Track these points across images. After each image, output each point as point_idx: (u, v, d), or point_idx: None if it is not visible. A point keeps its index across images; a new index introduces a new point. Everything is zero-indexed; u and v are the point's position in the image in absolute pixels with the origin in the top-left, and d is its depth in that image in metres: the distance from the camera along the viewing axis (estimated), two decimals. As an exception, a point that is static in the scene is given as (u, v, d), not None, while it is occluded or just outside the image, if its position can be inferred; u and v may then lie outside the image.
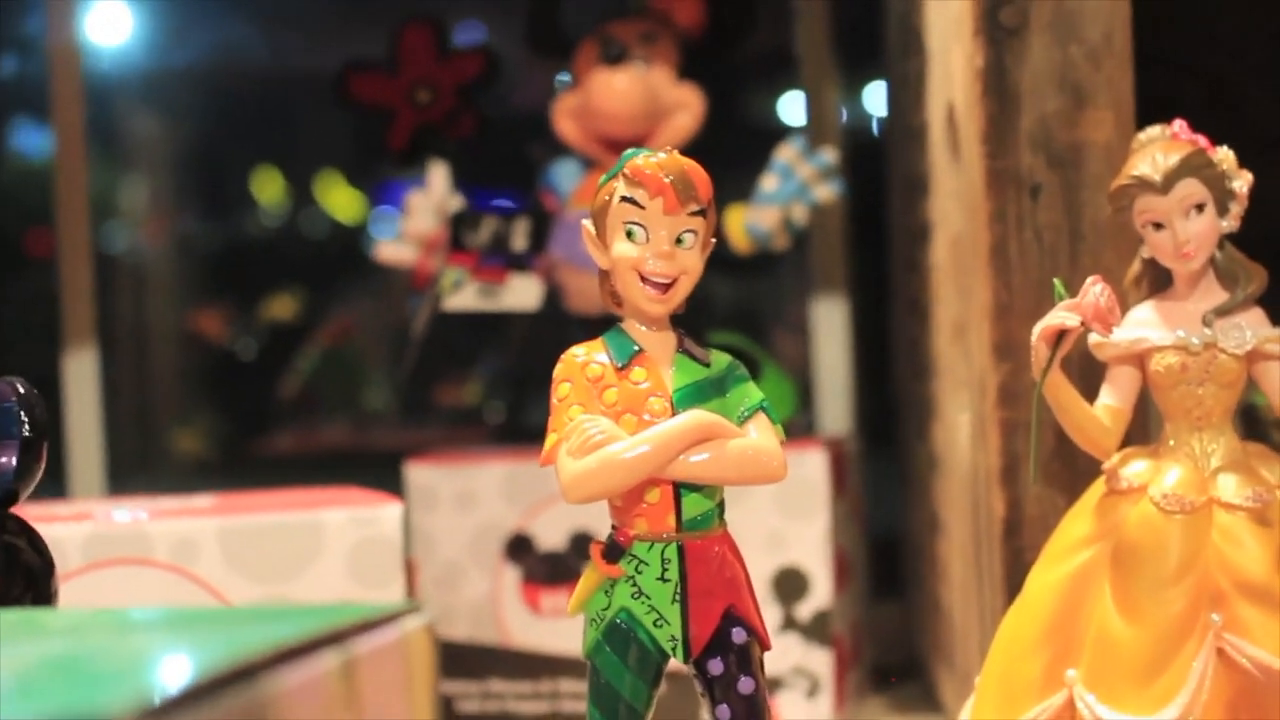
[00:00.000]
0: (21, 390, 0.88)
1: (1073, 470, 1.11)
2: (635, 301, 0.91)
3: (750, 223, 1.52)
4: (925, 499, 1.55)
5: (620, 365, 0.91)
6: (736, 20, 1.58)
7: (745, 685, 0.90)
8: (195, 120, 2.25)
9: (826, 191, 1.51)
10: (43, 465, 0.89)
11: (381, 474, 1.49)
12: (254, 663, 0.52)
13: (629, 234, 0.91)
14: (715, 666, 0.90)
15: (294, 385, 2.45)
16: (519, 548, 1.53)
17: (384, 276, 2.51)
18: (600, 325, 1.54)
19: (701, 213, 0.91)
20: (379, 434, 2.47)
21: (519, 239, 1.51)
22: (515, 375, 2.14)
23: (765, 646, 0.92)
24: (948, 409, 1.37)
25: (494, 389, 2.31)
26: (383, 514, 1.24)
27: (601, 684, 0.91)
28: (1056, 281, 0.97)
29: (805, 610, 1.48)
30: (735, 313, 1.97)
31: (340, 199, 2.44)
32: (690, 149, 1.54)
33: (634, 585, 0.90)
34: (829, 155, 1.52)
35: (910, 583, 1.72)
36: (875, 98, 1.96)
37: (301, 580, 1.22)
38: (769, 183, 1.51)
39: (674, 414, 0.90)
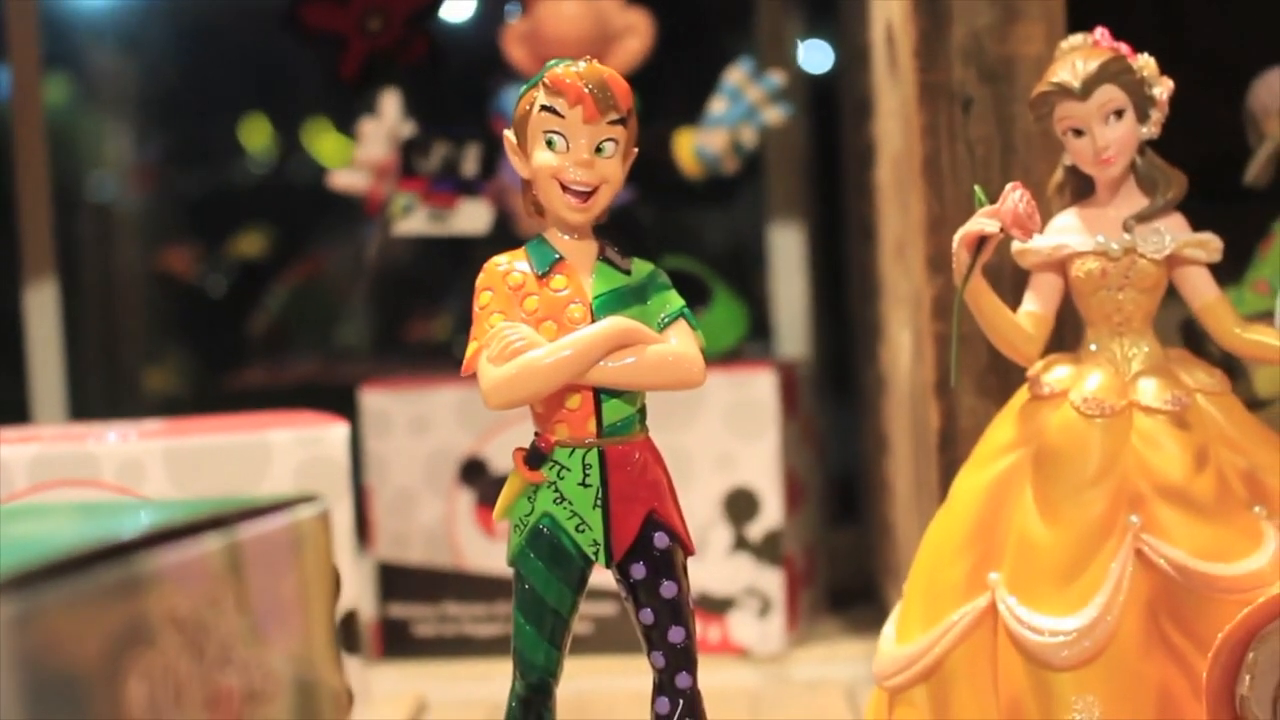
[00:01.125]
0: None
1: (1006, 381, 1.12)
2: (556, 210, 0.92)
3: (699, 145, 1.52)
4: (874, 420, 1.56)
5: (541, 273, 0.92)
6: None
7: (668, 589, 0.91)
8: (162, 57, 2.24)
9: (775, 114, 1.52)
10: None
11: (349, 408, 1.51)
12: (128, 541, 0.53)
13: (549, 143, 0.91)
14: (637, 570, 0.91)
15: (263, 322, 2.46)
16: (472, 472, 1.54)
17: (353, 210, 2.51)
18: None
19: (621, 121, 0.92)
20: (348, 369, 2.47)
21: (469, 164, 1.52)
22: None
23: (689, 551, 0.93)
24: (891, 328, 1.38)
25: (463, 322, 2.31)
26: (329, 434, 1.25)
27: (526, 590, 0.92)
28: (977, 189, 0.97)
29: (756, 530, 1.49)
30: (691, 238, 1.98)
31: (311, 135, 2.43)
32: (641, 73, 1.56)
33: (556, 491, 0.91)
34: (777, 77, 1.53)
35: (865, 506, 1.73)
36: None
37: (247, 501, 1.23)
38: (717, 105, 1.52)
39: (593, 321, 0.90)
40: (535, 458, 0.91)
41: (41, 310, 1.82)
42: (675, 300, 0.93)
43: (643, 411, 0.93)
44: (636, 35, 1.55)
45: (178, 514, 0.57)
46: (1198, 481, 0.96)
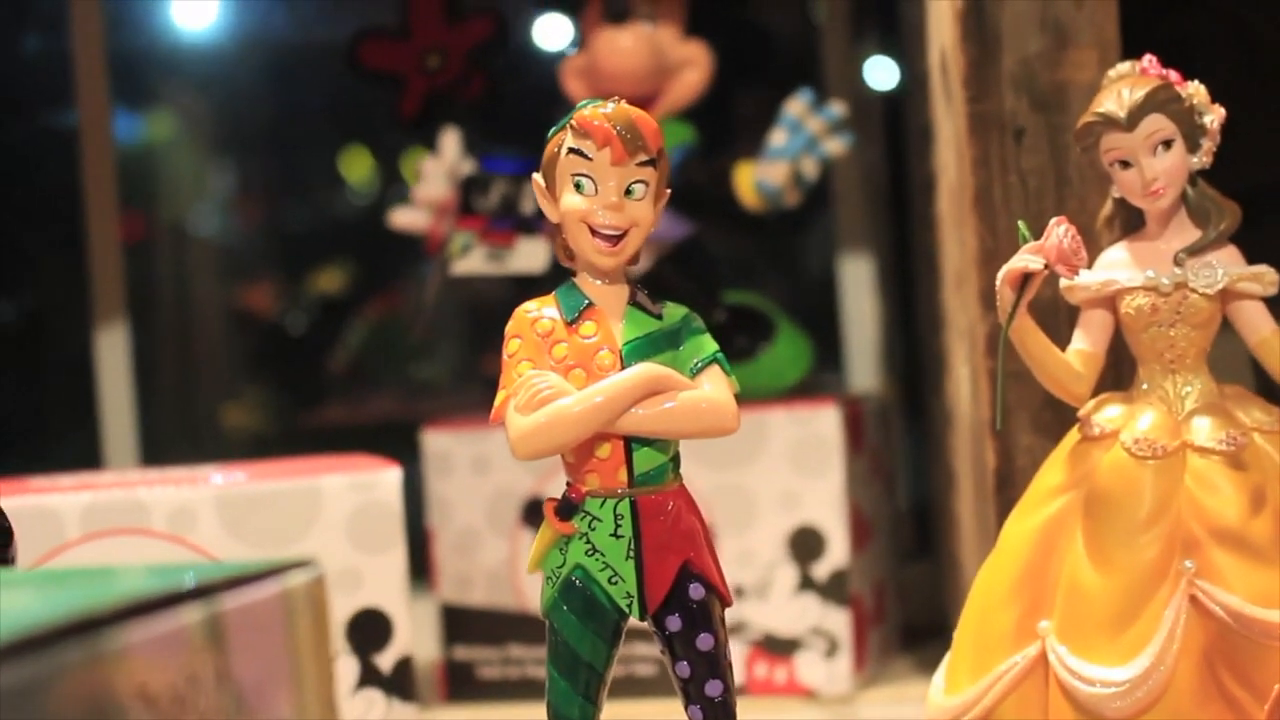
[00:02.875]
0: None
1: (1062, 418, 1.09)
2: (585, 254, 0.90)
3: (760, 179, 1.50)
4: (941, 455, 1.53)
5: (569, 320, 0.90)
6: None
7: (704, 641, 0.89)
8: (240, 94, 2.25)
9: (836, 144, 1.49)
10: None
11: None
12: (96, 616, 0.51)
13: (577, 186, 0.89)
14: (673, 623, 0.89)
15: (342, 358, 2.46)
16: (535, 512, 1.52)
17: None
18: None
19: (651, 163, 0.90)
20: (426, 405, 2.47)
21: (528, 201, 1.51)
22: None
23: (726, 602, 0.91)
24: (954, 362, 1.35)
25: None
26: (382, 479, 1.24)
27: (560, 643, 0.90)
28: (1021, 224, 0.94)
29: (822, 570, 1.46)
30: (756, 272, 1.96)
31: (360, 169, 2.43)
32: (703, 105, 1.54)
33: (588, 542, 0.89)
34: (838, 108, 1.50)
35: (936, 541, 1.70)
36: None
37: (300, 546, 1.22)
38: (777, 137, 1.49)
39: (622, 367, 0.88)
40: (566, 509, 0.89)
41: (113, 353, 1.83)
42: (709, 345, 0.91)
43: (676, 460, 0.90)
44: (695, 67, 1.53)
45: (154, 584, 0.55)
46: (1254, 524, 0.93)
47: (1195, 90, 0.97)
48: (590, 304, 0.90)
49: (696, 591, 0.89)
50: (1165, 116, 0.95)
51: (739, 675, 1.47)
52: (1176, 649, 0.91)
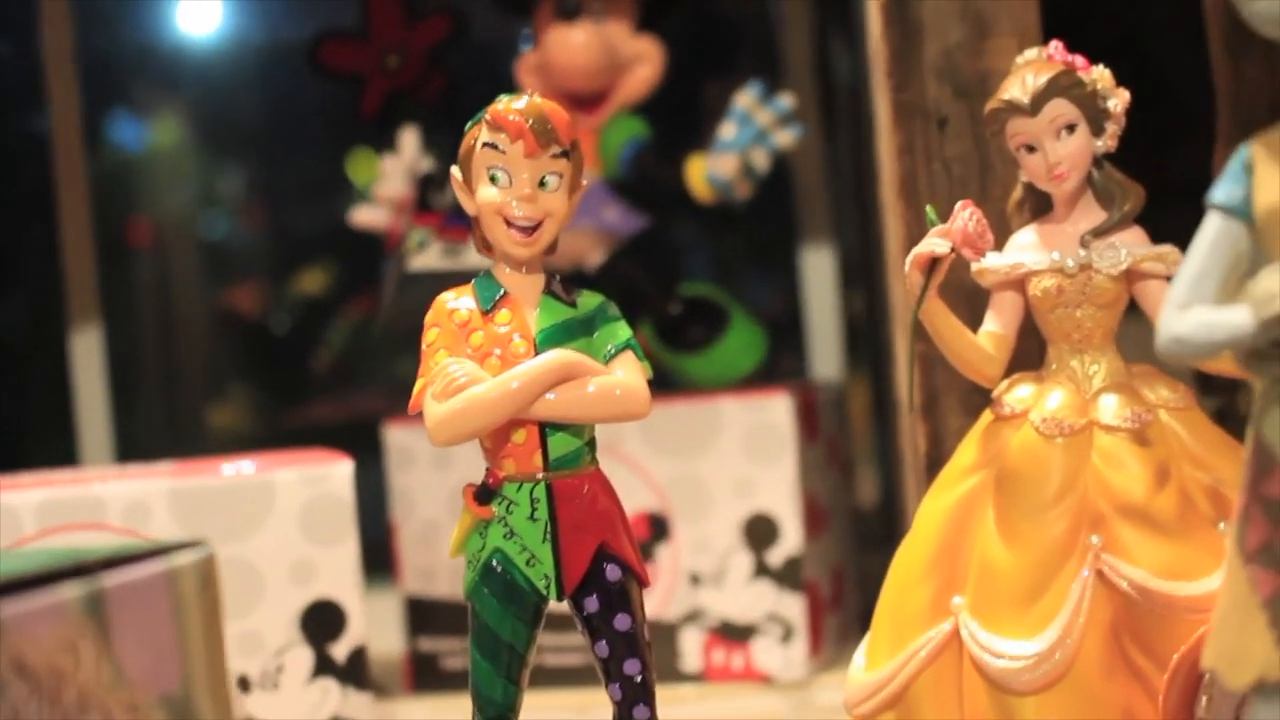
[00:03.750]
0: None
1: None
2: (501, 245, 0.93)
3: (711, 171, 1.52)
4: (894, 443, 1.55)
5: (485, 309, 0.92)
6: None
7: (621, 621, 0.91)
8: (226, 97, 2.27)
9: (786, 136, 1.52)
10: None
11: None
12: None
13: (492, 179, 0.92)
14: (591, 604, 0.91)
15: (325, 357, 2.48)
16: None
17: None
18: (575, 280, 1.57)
19: (565, 154, 0.92)
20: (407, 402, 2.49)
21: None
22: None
23: (644, 583, 0.93)
24: (898, 350, 1.37)
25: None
26: (333, 472, 1.26)
27: (481, 626, 0.92)
28: (929, 208, 0.96)
29: (776, 556, 1.48)
30: (714, 263, 1.98)
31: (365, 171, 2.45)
32: (661, 97, 1.57)
33: (505, 526, 0.91)
34: (787, 100, 1.52)
35: (898, 529, 1.72)
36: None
37: (253, 540, 1.24)
38: (727, 130, 1.52)
39: (536, 354, 0.90)
40: (484, 493, 0.92)
41: (87, 353, 1.85)
42: (623, 332, 0.93)
43: (592, 444, 0.93)
44: (647, 62, 1.55)
45: (34, 563, 0.58)
46: (1159, 499, 0.94)
47: (1099, 75, 0.98)
48: (505, 293, 0.92)
49: (613, 573, 0.92)
50: (1068, 101, 0.97)
51: (697, 662, 1.49)
52: (1083, 622, 0.93)
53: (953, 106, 1.12)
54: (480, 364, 0.91)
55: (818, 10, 1.83)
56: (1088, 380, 0.98)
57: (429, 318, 0.93)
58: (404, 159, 1.58)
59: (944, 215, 0.96)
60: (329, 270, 2.59)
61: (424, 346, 0.92)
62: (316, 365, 2.45)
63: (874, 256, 1.82)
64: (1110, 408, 0.97)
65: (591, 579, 0.91)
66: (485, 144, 0.92)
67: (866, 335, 1.89)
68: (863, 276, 1.87)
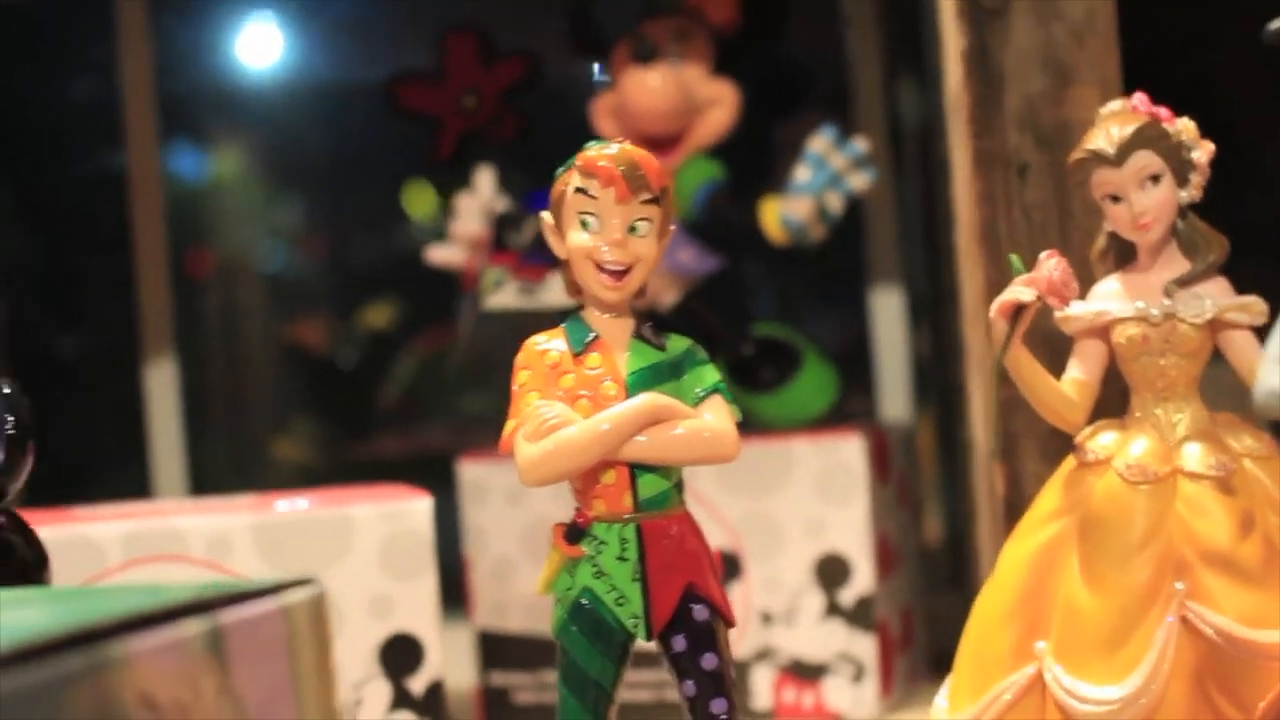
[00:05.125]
0: (6, 390, 0.93)
1: (1069, 446, 1.12)
2: (592, 289, 0.94)
3: (786, 214, 1.53)
4: (965, 484, 1.55)
5: (576, 351, 0.94)
6: (771, 15, 1.59)
7: (708, 661, 0.93)
8: (284, 133, 2.30)
9: (861, 180, 1.53)
10: (30, 461, 0.93)
11: None
12: (98, 628, 0.55)
13: (583, 224, 0.94)
14: (678, 643, 0.93)
15: (392, 392, 2.50)
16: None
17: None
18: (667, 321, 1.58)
19: (655, 200, 0.94)
20: (473, 437, 2.51)
21: (560, 238, 1.55)
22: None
23: (730, 623, 0.94)
24: (974, 393, 1.38)
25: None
26: (413, 508, 1.28)
27: (570, 663, 0.94)
28: (1013, 257, 0.98)
29: (848, 596, 1.49)
30: (782, 302, 1.99)
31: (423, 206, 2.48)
32: (728, 143, 1.58)
33: (595, 565, 0.93)
34: (861, 144, 1.53)
35: (964, 570, 1.73)
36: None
37: (333, 574, 1.26)
38: (801, 174, 1.53)
39: (627, 397, 0.92)
40: (574, 533, 0.93)
41: (161, 386, 1.88)
42: (711, 375, 0.95)
43: (680, 485, 0.94)
44: (722, 105, 1.56)
45: (156, 599, 0.59)
46: (1243, 547, 0.95)
47: (1184, 126, 1.00)
48: (596, 336, 0.94)
49: (701, 613, 0.93)
50: (1153, 152, 0.98)
51: (768, 700, 1.50)
52: (1168, 668, 0.94)
53: (1033, 154, 1.14)
54: (571, 406, 0.92)
55: (888, 54, 1.85)
56: (1171, 428, 0.99)
57: (520, 359, 0.94)
58: (479, 198, 1.60)
59: (1027, 263, 0.97)
60: (395, 305, 2.62)
61: (514, 388, 0.94)
62: (383, 399, 2.48)
63: (942, 298, 1.83)
64: (1195, 455, 0.98)
65: (679, 619, 0.93)
66: (577, 189, 0.94)
67: (933, 375, 1.89)
68: (930, 317, 1.88)
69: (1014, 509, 1.15)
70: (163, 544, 1.25)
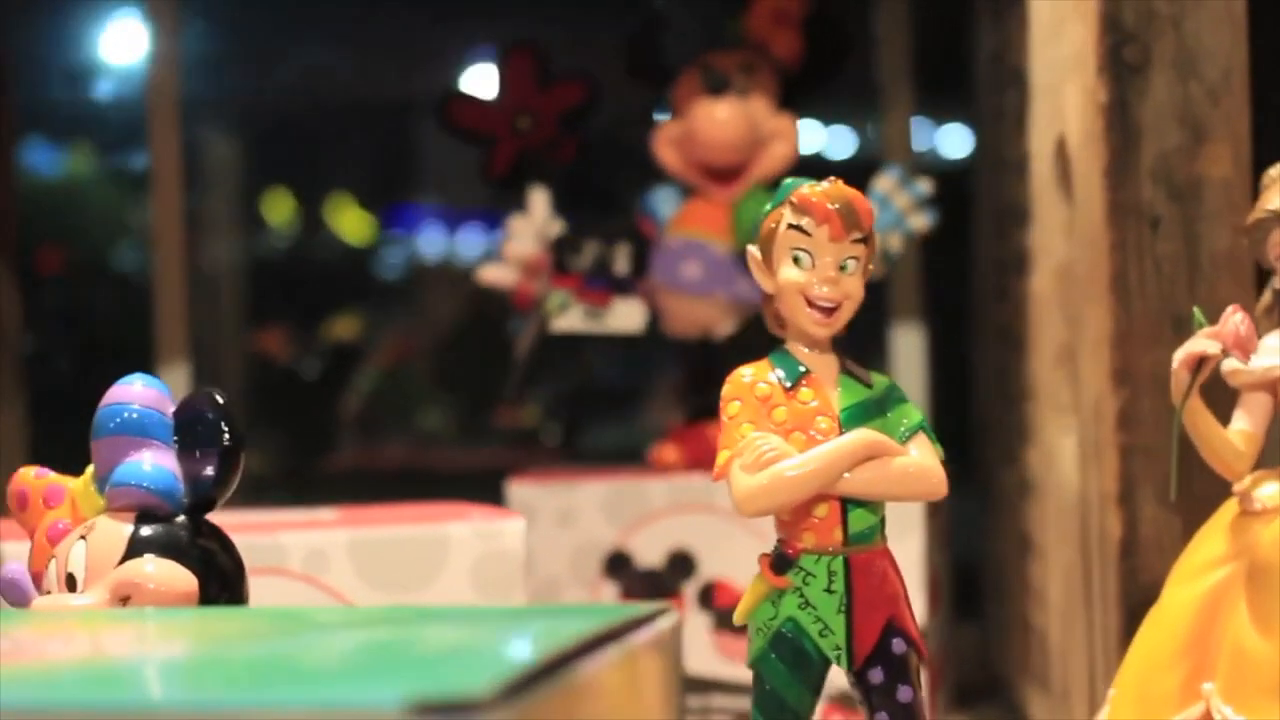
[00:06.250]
0: (221, 401, 0.92)
1: (1188, 494, 1.15)
2: (801, 325, 0.96)
3: (848, 252, 1.55)
4: (1014, 522, 1.59)
5: (789, 385, 0.95)
6: (833, 52, 1.62)
7: (904, 694, 0.95)
8: (268, 143, 2.29)
9: (922, 221, 1.56)
10: (239, 473, 0.93)
11: (442, 494, 1.51)
12: (568, 652, 0.56)
13: (796, 260, 0.95)
14: (875, 676, 0.95)
15: (354, 405, 2.49)
16: (617, 565, 1.57)
17: (441, 295, 2.54)
18: (694, 350, 1.59)
19: (864, 240, 0.96)
20: (436, 454, 2.50)
21: (620, 263, 1.56)
22: (573, 397, 2.18)
23: (923, 656, 0.96)
24: (1046, 433, 1.41)
25: (552, 411, 2.34)
26: (506, 528, 1.28)
27: (767, 691, 0.95)
28: (1196, 310, 1.01)
29: (899, 628, 1.51)
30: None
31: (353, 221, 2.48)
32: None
33: (801, 596, 0.94)
34: (925, 185, 1.56)
35: (993, 605, 1.76)
36: (953, 130, 2.01)
37: (427, 591, 1.26)
38: (867, 213, 1.55)
39: (840, 433, 0.94)
40: (782, 563, 0.94)
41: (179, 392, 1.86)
42: (916, 414, 0.97)
43: (884, 522, 0.96)
44: (785, 140, 1.59)
45: (576, 624, 0.60)
46: None
47: (1350, 190, 1.04)
48: (807, 371, 0.96)
49: (899, 646, 0.95)
50: (1330, 213, 1.02)
51: (815, 728, 1.52)
52: (1338, 712, 0.98)
53: (1166, 207, 1.17)
54: (783, 439, 0.94)
55: (918, 97, 1.89)
56: (1337, 481, 1.03)
57: (728, 391, 0.96)
58: (534, 220, 1.61)
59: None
60: (359, 316, 2.61)
61: (725, 419, 0.95)
62: (344, 412, 2.47)
63: (969, 337, 1.87)
64: (1363, 507, 1.02)
65: (879, 652, 0.95)
66: (790, 225, 0.95)
67: (951, 417, 1.93)
68: (951, 354, 1.91)
69: (1130, 549, 1.18)
70: (263, 557, 1.24)
